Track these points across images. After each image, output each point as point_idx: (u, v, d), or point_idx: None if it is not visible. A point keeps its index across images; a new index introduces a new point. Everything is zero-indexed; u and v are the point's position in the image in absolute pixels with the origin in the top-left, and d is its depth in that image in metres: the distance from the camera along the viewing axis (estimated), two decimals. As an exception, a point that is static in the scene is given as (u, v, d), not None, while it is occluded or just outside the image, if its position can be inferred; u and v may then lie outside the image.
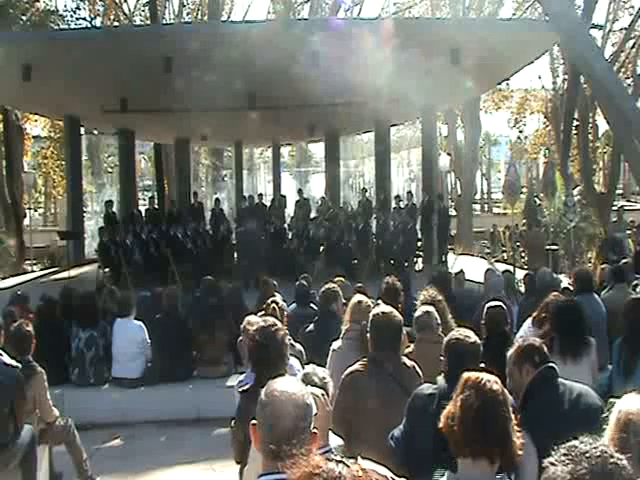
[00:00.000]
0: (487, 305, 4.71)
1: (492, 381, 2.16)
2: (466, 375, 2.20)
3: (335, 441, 2.74)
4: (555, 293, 5.38)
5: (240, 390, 3.39)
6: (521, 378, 3.13)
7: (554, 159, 26.72)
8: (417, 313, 4.52)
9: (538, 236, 15.73)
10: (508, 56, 11.69)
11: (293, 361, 3.95)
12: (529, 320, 5.24)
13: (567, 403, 2.78)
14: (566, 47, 17.04)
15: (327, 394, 2.76)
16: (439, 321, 4.43)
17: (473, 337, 3.16)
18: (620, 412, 2.05)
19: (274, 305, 5.10)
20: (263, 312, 5.11)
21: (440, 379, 3.07)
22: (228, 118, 15.49)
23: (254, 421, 1.93)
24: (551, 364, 3.16)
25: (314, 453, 2.03)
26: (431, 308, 4.49)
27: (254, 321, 4.41)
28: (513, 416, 2.12)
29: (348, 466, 1.36)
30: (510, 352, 3.22)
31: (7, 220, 22.63)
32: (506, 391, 2.52)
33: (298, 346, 4.94)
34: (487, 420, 2.06)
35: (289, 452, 1.80)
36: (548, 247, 14.86)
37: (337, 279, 6.99)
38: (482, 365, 3.01)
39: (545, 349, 3.22)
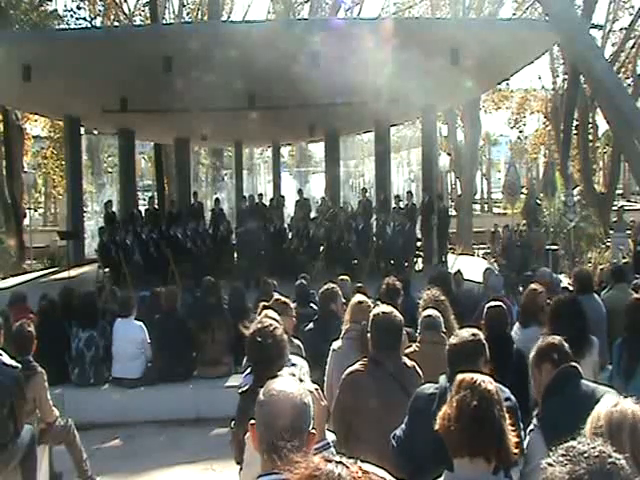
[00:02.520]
0: (487, 305, 4.71)
1: (487, 381, 2.17)
2: (461, 376, 2.22)
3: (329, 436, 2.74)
4: (533, 287, 5.37)
5: (240, 391, 3.39)
6: (541, 378, 3.07)
7: (554, 159, 26.73)
8: (421, 313, 4.51)
9: (538, 236, 15.73)
10: (508, 56, 11.69)
11: (300, 361, 3.95)
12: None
13: (586, 405, 2.72)
14: (566, 47, 17.06)
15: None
16: (442, 322, 4.43)
17: (475, 336, 3.11)
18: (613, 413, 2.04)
19: (280, 301, 5.04)
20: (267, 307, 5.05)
21: (442, 379, 3.06)
22: (228, 118, 15.48)
23: (253, 421, 1.93)
24: (573, 364, 3.08)
25: (312, 454, 2.04)
26: (435, 311, 4.49)
27: (272, 316, 4.38)
28: (508, 415, 2.13)
29: (347, 467, 1.35)
30: (532, 354, 3.18)
31: (7, 220, 22.62)
32: (503, 389, 2.52)
33: (296, 341, 4.92)
34: (483, 420, 2.07)
35: (287, 452, 1.80)
36: (548, 247, 14.85)
37: (341, 277, 7.00)
38: (487, 360, 3.00)
39: (567, 347, 3.13)
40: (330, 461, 1.36)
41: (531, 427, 2.89)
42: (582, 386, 2.99)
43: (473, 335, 3.11)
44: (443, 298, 4.97)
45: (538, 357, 3.12)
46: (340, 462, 1.36)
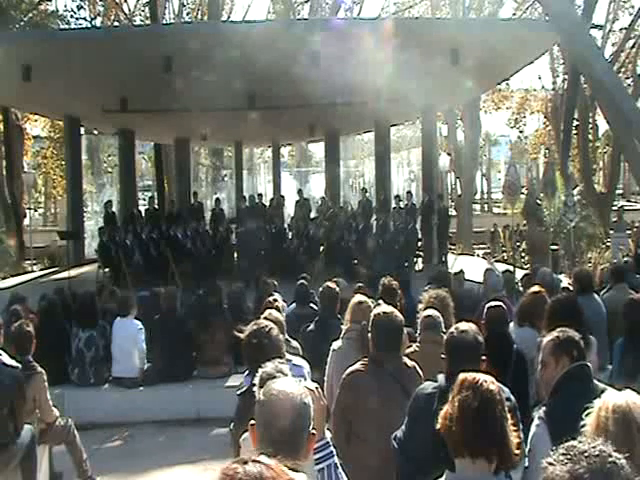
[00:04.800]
0: (487, 305, 4.70)
1: (489, 381, 2.16)
2: (462, 376, 2.20)
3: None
4: (535, 289, 5.36)
5: (238, 393, 3.39)
6: (556, 370, 3.02)
7: (554, 159, 26.72)
8: (421, 313, 4.50)
9: (542, 236, 15.71)
10: (508, 56, 11.69)
11: (301, 362, 3.96)
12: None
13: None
14: (566, 47, 17.06)
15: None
16: (442, 321, 4.41)
17: (473, 332, 3.08)
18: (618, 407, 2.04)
19: (274, 301, 5.08)
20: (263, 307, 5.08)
21: (441, 377, 3.05)
22: (228, 118, 15.49)
23: (253, 421, 1.93)
24: (587, 363, 3.04)
25: (312, 453, 2.04)
26: (435, 311, 4.47)
27: (274, 315, 4.40)
28: (509, 415, 2.13)
29: (265, 464, 1.38)
30: (546, 341, 3.09)
31: (7, 220, 22.61)
32: (504, 388, 2.50)
33: (294, 342, 4.93)
34: (485, 420, 2.06)
35: (287, 452, 1.79)
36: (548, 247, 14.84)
37: (335, 279, 6.99)
38: (484, 358, 2.98)
39: (582, 345, 3.08)
40: (246, 462, 1.37)
41: (537, 421, 2.86)
42: (593, 386, 2.94)
43: (466, 331, 3.06)
44: (446, 297, 4.92)
45: (558, 348, 3.04)
46: (256, 461, 1.38)
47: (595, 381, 2.99)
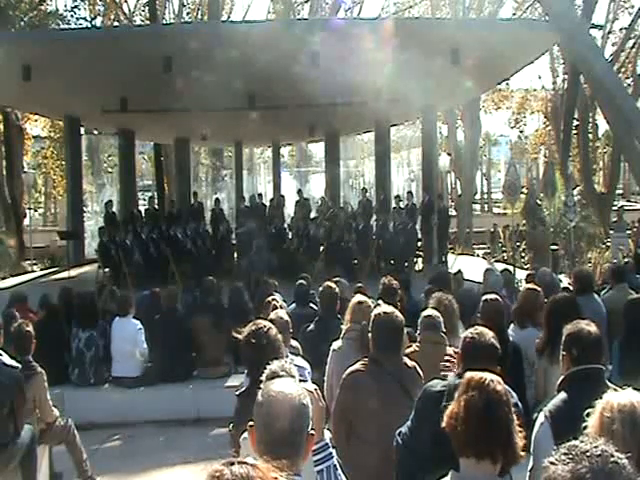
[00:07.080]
0: (483, 298, 4.61)
1: (495, 381, 2.15)
2: (469, 375, 2.19)
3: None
4: (531, 287, 5.34)
5: (237, 394, 3.39)
6: (563, 365, 2.99)
7: (554, 159, 26.72)
8: (422, 313, 4.49)
9: (542, 236, 15.71)
10: (508, 56, 11.68)
11: (302, 363, 3.94)
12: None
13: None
14: (566, 47, 17.06)
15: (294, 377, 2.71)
16: (442, 321, 4.40)
17: (492, 337, 3.03)
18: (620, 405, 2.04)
19: (274, 303, 5.09)
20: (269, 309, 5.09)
21: (451, 376, 3.01)
22: (228, 118, 15.48)
23: (252, 422, 1.93)
24: (601, 366, 2.97)
25: (312, 454, 2.04)
26: (435, 311, 4.45)
27: (281, 315, 4.41)
28: (515, 416, 2.12)
29: (252, 465, 1.39)
30: (568, 334, 3.04)
31: (7, 220, 22.63)
32: (513, 393, 2.48)
33: (294, 342, 4.93)
34: (491, 420, 2.05)
35: (286, 453, 1.79)
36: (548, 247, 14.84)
37: (336, 278, 6.99)
38: (499, 368, 2.93)
39: (595, 343, 2.99)
40: (232, 463, 1.38)
41: (541, 419, 2.83)
42: (604, 389, 2.89)
43: (485, 334, 3.03)
44: (451, 299, 4.84)
45: (565, 344, 2.99)
46: (243, 462, 1.39)
47: (610, 384, 2.90)
